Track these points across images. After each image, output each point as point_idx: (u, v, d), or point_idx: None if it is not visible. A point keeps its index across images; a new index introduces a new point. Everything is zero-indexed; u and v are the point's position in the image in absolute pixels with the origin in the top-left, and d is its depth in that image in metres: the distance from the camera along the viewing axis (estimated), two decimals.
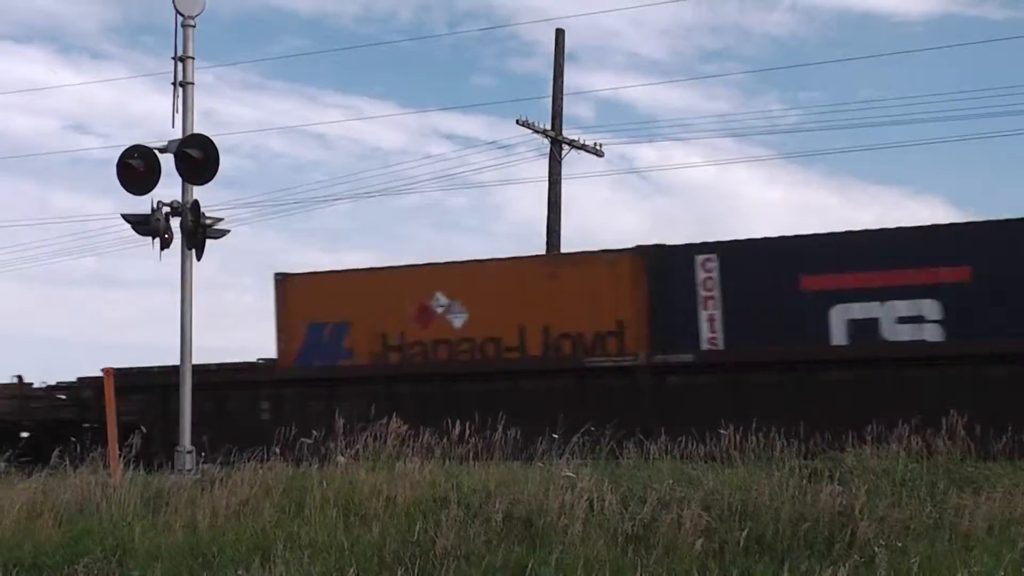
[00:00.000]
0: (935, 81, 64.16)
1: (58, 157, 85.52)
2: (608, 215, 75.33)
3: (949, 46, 75.04)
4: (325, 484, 13.72)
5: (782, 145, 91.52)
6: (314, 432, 16.18)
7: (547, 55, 36.91)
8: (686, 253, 22.92)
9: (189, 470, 18.71)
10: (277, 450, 15.89)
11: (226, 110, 72.90)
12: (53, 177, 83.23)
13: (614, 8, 73.59)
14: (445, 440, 15.33)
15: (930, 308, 21.00)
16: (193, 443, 18.94)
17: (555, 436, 15.82)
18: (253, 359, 27.57)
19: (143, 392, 25.89)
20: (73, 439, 19.42)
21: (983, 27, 71.22)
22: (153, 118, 74.30)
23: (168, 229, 19.46)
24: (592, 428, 16.39)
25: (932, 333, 21.02)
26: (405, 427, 15.61)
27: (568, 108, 36.10)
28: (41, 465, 18.08)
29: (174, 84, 20.18)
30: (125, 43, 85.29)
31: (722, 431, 15.29)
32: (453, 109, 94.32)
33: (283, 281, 26.74)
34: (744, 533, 11.68)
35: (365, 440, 15.27)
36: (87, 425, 25.90)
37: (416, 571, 11.24)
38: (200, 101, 20.28)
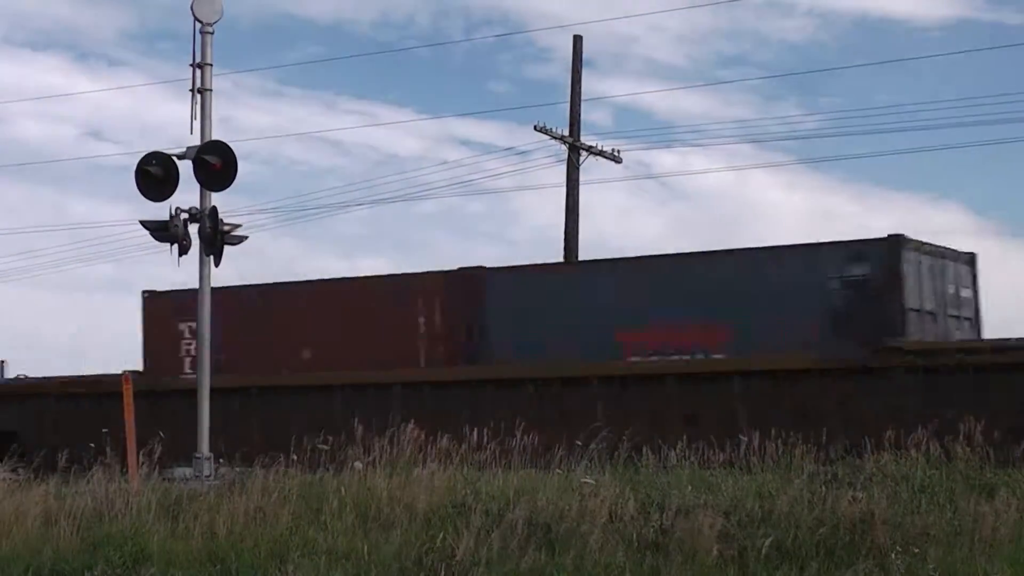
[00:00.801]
0: (953, 87, 63.98)
1: (75, 164, 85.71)
2: (626, 221, 75.26)
3: (966, 51, 74.75)
4: (343, 490, 13.73)
5: (800, 151, 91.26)
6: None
7: (563, 61, 36.98)
8: None
9: (207, 476, 18.76)
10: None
11: (243, 117, 73.04)
12: (70, 184, 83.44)
13: (631, 14, 73.48)
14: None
15: None
16: None
17: (578, 443, 15.76)
18: None
19: None
20: None
21: (1000, 32, 71.02)
22: (170, 125, 74.38)
23: (186, 235, 19.52)
24: None
25: None
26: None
27: (585, 114, 36.00)
28: None
29: (192, 91, 20.26)
30: (142, 50, 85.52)
31: (741, 436, 15.25)
32: (469, 115, 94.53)
33: None
34: (768, 541, 11.62)
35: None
36: None
37: None
38: (217, 107, 20.35)
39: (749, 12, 73.30)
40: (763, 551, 11.53)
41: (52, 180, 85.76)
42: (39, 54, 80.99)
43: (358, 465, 14.94)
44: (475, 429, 15.50)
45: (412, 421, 15.72)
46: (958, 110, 70.06)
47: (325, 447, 15.80)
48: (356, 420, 15.64)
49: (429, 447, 15.27)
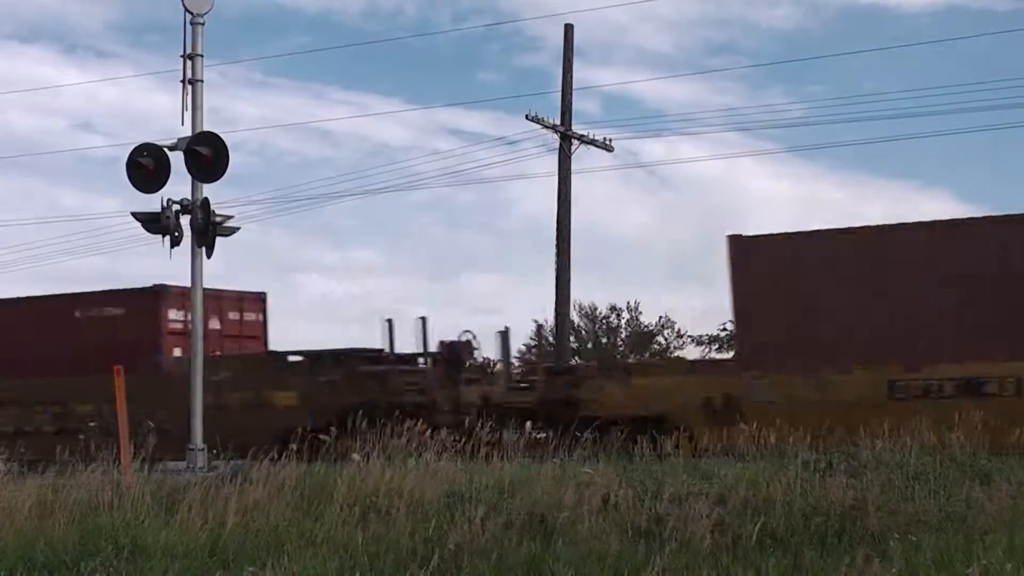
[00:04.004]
0: (941, 74, 64.14)
1: (65, 156, 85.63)
2: (616, 210, 75.28)
3: (955, 39, 74.90)
4: (339, 481, 13.73)
5: (789, 139, 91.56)
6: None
7: (551, 50, 37.12)
8: None
9: (201, 468, 18.73)
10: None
11: (232, 107, 72.99)
12: (61, 176, 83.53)
13: (619, 3, 73.56)
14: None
15: None
16: None
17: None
18: None
19: None
20: None
21: (988, 19, 71.12)
22: (159, 116, 74.54)
23: (178, 227, 19.47)
24: None
25: None
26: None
27: (575, 103, 36.02)
28: None
29: (183, 82, 20.18)
30: (130, 42, 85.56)
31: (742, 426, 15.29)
32: (459, 105, 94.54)
33: None
34: (757, 527, 11.65)
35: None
36: None
37: (431, 567, 11.23)
38: (206, 98, 20.26)
39: (737, 0, 73.37)
40: (755, 538, 11.55)
41: (42, 172, 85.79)
42: (27, 46, 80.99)
43: (356, 456, 14.95)
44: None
45: None
46: (946, 97, 70.07)
47: (327, 438, 15.82)
48: None
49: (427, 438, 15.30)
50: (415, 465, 14.35)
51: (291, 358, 27.52)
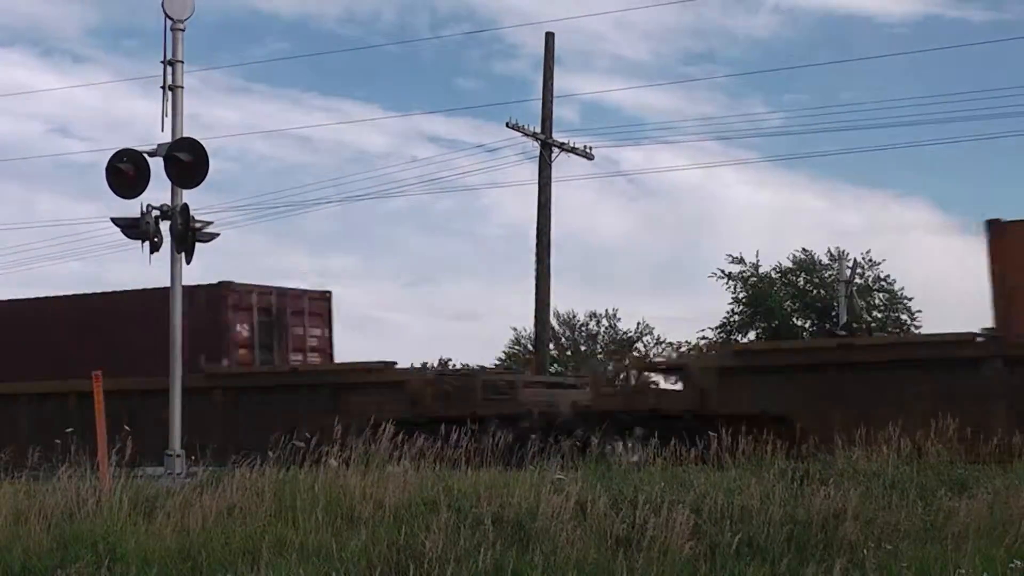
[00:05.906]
0: (918, 83, 64.37)
1: (42, 160, 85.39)
2: (596, 218, 75.37)
3: (932, 49, 75.33)
4: (315, 488, 13.70)
5: (767, 148, 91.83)
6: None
7: (530, 58, 37.33)
8: None
9: (179, 474, 18.69)
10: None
11: (210, 113, 72.89)
12: (37, 180, 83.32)
13: (598, 12, 73.62)
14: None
15: None
16: None
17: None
18: None
19: None
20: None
21: (966, 29, 71.45)
22: (137, 121, 74.39)
23: (157, 232, 19.45)
24: None
25: None
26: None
27: (554, 110, 36.00)
28: None
29: (163, 88, 20.17)
30: (107, 46, 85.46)
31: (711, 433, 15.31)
32: (437, 112, 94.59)
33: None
34: (737, 537, 11.65)
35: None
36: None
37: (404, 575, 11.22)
38: (186, 104, 20.26)
39: (715, 9, 73.58)
40: (734, 546, 11.57)
41: (19, 177, 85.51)
42: (3, 50, 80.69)
43: (332, 463, 14.93)
44: None
45: None
46: (924, 107, 70.49)
47: (302, 444, 15.79)
48: None
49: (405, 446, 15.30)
50: (391, 471, 14.33)
51: None
